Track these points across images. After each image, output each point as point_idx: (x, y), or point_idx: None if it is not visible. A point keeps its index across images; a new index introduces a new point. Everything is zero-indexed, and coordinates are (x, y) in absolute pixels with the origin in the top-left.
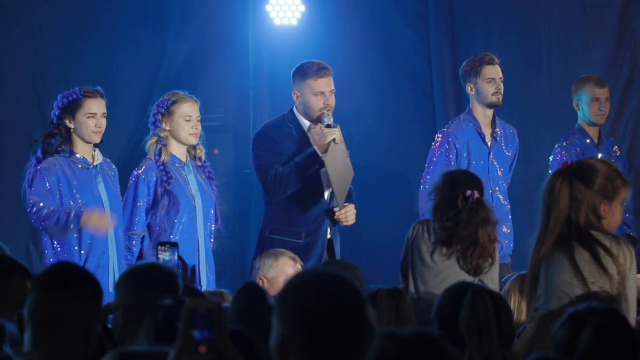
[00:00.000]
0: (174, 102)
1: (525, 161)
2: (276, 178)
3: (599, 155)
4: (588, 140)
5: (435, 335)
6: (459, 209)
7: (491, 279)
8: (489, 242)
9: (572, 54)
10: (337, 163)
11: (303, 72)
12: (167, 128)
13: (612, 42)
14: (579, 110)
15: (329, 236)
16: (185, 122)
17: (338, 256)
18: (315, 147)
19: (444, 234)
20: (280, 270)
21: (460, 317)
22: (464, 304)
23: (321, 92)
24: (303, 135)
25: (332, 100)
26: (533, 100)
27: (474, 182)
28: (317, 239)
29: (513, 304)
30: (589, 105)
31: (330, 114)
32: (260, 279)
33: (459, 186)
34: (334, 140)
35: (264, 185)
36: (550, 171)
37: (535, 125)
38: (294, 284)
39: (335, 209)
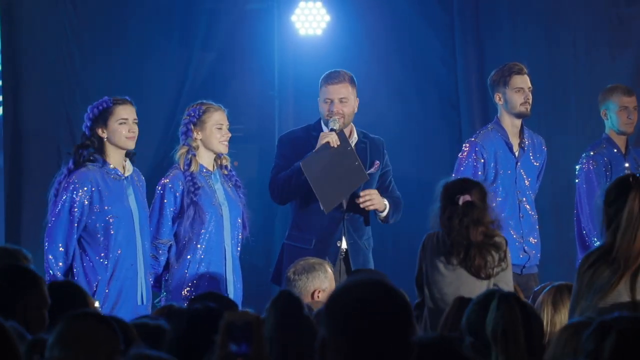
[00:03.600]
0: (205, 111)
1: (552, 171)
2: (277, 183)
3: (626, 165)
4: (615, 150)
5: (458, 341)
6: (452, 216)
7: (505, 283)
8: (484, 240)
9: (598, 63)
10: (323, 166)
11: (321, 79)
12: (199, 137)
13: (638, 51)
14: (607, 119)
15: (344, 246)
16: (217, 130)
17: (353, 268)
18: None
19: (447, 243)
20: (331, 277)
21: (487, 323)
22: (490, 309)
23: (329, 99)
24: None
25: (341, 108)
26: (559, 109)
27: (466, 186)
28: (327, 246)
29: (546, 316)
30: (618, 114)
31: (337, 119)
32: (316, 290)
33: (451, 194)
34: (328, 143)
35: (269, 190)
36: (577, 181)
37: (561, 135)
38: (339, 290)
39: (358, 197)
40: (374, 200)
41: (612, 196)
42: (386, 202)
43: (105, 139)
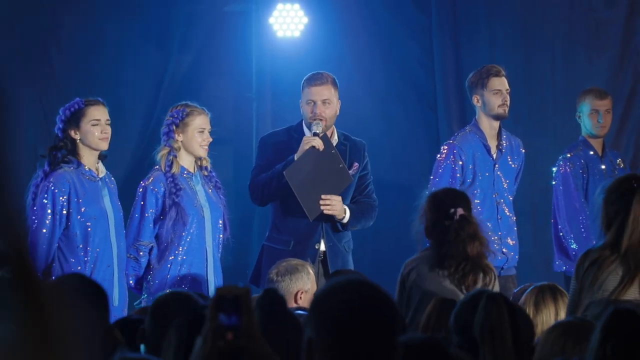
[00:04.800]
0: (188, 114)
1: (529, 173)
2: (257, 184)
3: (603, 167)
4: (592, 152)
5: (446, 343)
6: (446, 229)
7: None
8: (479, 256)
9: (575, 66)
10: (307, 173)
11: (303, 81)
12: (180, 139)
13: (615, 55)
14: (581, 122)
15: (322, 248)
16: (199, 134)
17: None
18: (296, 156)
19: (436, 256)
20: (313, 279)
21: (475, 322)
22: (478, 308)
23: (312, 100)
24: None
25: (323, 110)
26: (537, 112)
27: (457, 198)
28: (306, 248)
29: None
30: (589, 117)
31: (321, 123)
32: (299, 292)
33: (442, 206)
34: (313, 147)
35: (249, 191)
36: (554, 183)
37: (539, 137)
38: (325, 290)
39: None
40: (334, 206)
41: (613, 197)
42: (347, 209)
43: (78, 141)
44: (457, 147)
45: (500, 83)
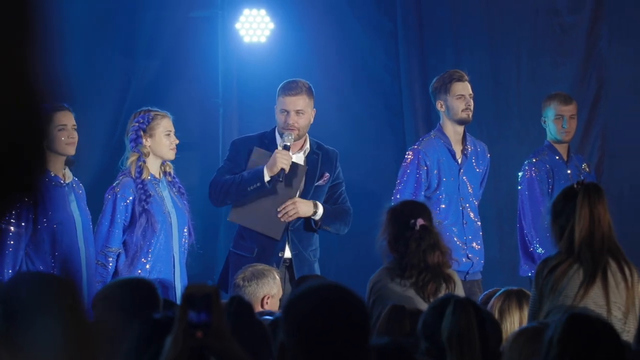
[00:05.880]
0: (153, 118)
1: (495, 178)
2: (217, 185)
3: (568, 172)
4: (557, 157)
5: (412, 348)
6: (407, 240)
7: None
8: (440, 265)
9: (540, 72)
10: (251, 209)
11: (279, 88)
12: (148, 144)
13: (579, 60)
14: (546, 127)
15: (287, 255)
16: (166, 136)
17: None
18: (265, 167)
19: (398, 267)
20: (279, 284)
21: (442, 327)
22: (446, 314)
23: (285, 110)
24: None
25: (296, 120)
26: (502, 117)
27: (416, 209)
28: (270, 255)
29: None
30: (554, 122)
31: (292, 134)
32: (265, 296)
33: (402, 217)
34: (283, 170)
35: (208, 191)
36: (520, 188)
37: (504, 142)
38: (297, 294)
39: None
40: (294, 209)
41: (560, 206)
42: (318, 205)
43: (44, 147)
44: (421, 152)
45: (464, 88)
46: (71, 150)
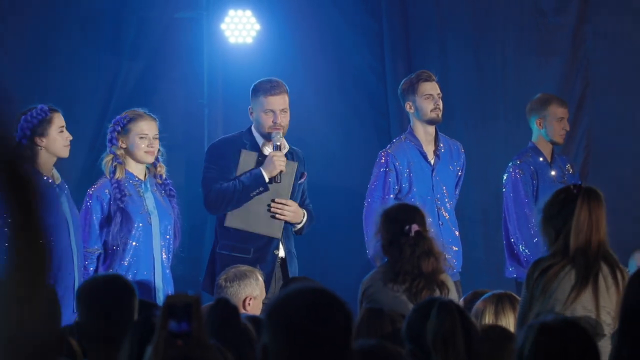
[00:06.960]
0: (130, 120)
1: (480, 179)
2: (219, 194)
3: (552, 173)
4: (541, 159)
5: (393, 349)
6: (402, 245)
7: None
8: (434, 272)
9: (526, 73)
10: (246, 213)
11: (257, 89)
12: (123, 146)
13: (565, 61)
14: (543, 128)
15: (281, 254)
16: (140, 139)
17: (291, 275)
18: (262, 170)
19: (391, 272)
20: (262, 285)
21: (427, 330)
22: (430, 316)
23: (271, 110)
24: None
25: (282, 119)
26: (488, 118)
27: (410, 214)
28: (266, 254)
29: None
30: (555, 125)
31: (280, 133)
32: (247, 298)
33: (396, 222)
34: (281, 172)
35: (205, 200)
36: (504, 189)
37: (489, 143)
38: (281, 297)
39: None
40: (290, 214)
41: (556, 208)
42: (305, 213)
43: (43, 148)
44: (391, 156)
45: (432, 87)
46: (66, 153)
